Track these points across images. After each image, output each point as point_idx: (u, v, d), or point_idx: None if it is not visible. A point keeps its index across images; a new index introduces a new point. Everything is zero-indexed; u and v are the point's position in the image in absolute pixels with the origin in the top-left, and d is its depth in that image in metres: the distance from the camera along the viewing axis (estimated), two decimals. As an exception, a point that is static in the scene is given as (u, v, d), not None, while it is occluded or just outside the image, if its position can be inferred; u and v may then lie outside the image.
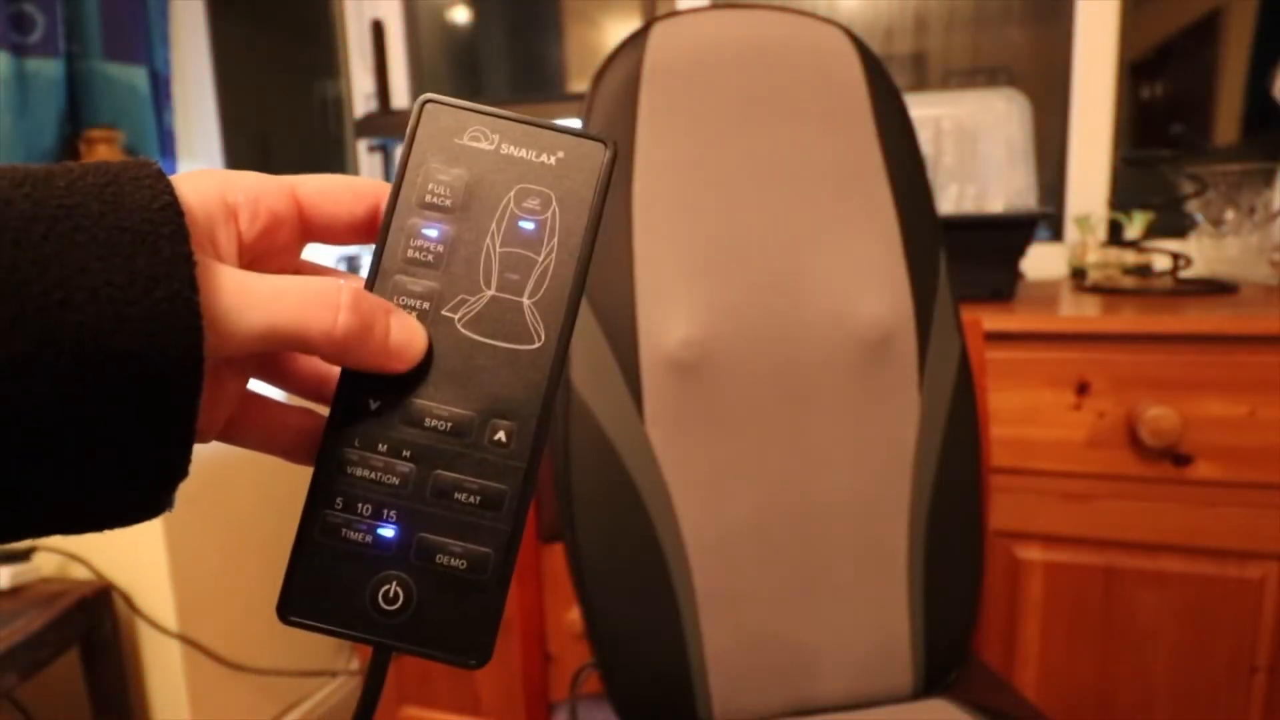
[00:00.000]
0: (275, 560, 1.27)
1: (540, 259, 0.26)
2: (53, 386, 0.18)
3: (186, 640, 1.13)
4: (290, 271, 0.27)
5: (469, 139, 0.26)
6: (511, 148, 0.26)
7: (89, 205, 0.19)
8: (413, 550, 0.25)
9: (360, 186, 0.26)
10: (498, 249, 0.26)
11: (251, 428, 0.26)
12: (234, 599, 1.21)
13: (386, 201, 0.26)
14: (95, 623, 1.06)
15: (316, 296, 0.23)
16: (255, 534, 1.26)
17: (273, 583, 1.37)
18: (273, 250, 0.25)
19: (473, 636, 0.25)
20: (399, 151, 0.26)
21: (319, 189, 0.25)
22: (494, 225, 0.26)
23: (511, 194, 0.26)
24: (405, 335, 0.25)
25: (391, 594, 0.24)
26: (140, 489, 0.21)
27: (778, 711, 0.69)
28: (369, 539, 0.25)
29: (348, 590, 0.25)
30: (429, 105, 0.26)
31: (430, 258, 0.25)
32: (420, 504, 0.25)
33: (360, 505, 0.25)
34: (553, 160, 0.26)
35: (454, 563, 0.25)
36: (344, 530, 0.25)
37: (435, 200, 0.26)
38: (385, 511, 0.25)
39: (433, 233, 0.25)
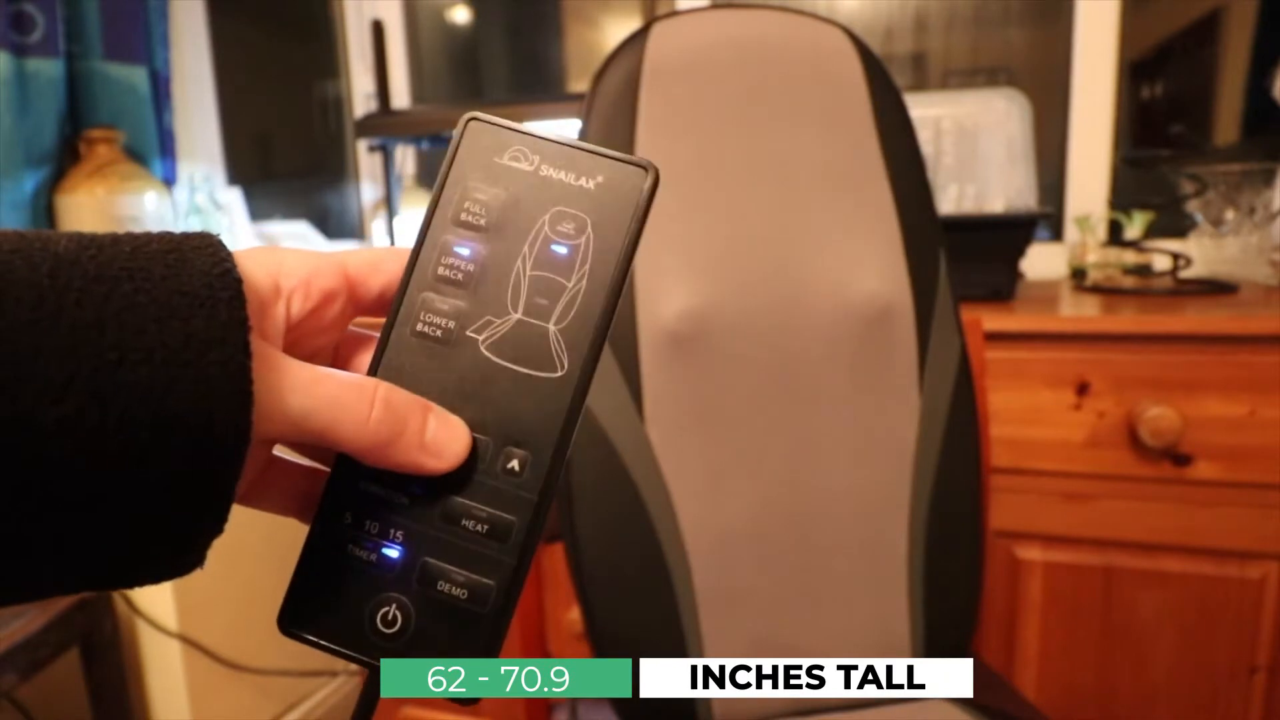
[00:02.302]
0: (275, 561, 1.27)
1: (570, 285, 0.25)
2: (100, 446, 0.18)
3: (186, 640, 1.13)
4: (335, 345, 0.27)
5: (509, 159, 0.26)
6: (551, 169, 0.25)
7: (152, 269, 0.20)
8: (415, 574, 0.24)
9: (406, 258, 0.26)
10: (528, 272, 0.25)
11: (268, 491, 0.26)
12: (234, 599, 1.21)
13: (422, 218, 0.26)
14: (95, 623, 1.06)
15: (353, 389, 0.23)
16: (255, 534, 1.25)
17: (272, 583, 1.37)
18: (320, 328, 0.25)
19: None
20: (440, 167, 0.26)
21: (368, 262, 0.25)
22: (526, 247, 0.25)
23: (547, 216, 0.25)
24: (445, 433, 0.24)
25: (390, 617, 0.24)
26: (177, 548, 0.21)
27: (778, 712, 0.69)
28: (373, 557, 0.24)
29: (347, 608, 0.24)
30: (472, 123, 0.26)
31: (460, 276, 0.25)
32: (428, 527, 0.24)
33: (368, 523, 0.24)
34: (591, 184, 0.25)
35: (455, 591, 0.24)
36: (350, 546, 0.24)
37: (470, 218, 0.25)
38: (392, 531, 0.24)
39: (465, 251, 0.25)
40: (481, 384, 0.25)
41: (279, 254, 0.24)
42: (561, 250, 0.25)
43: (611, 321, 0.25)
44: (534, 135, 0.26)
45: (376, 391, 0.23)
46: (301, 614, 0.24)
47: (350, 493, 0.25)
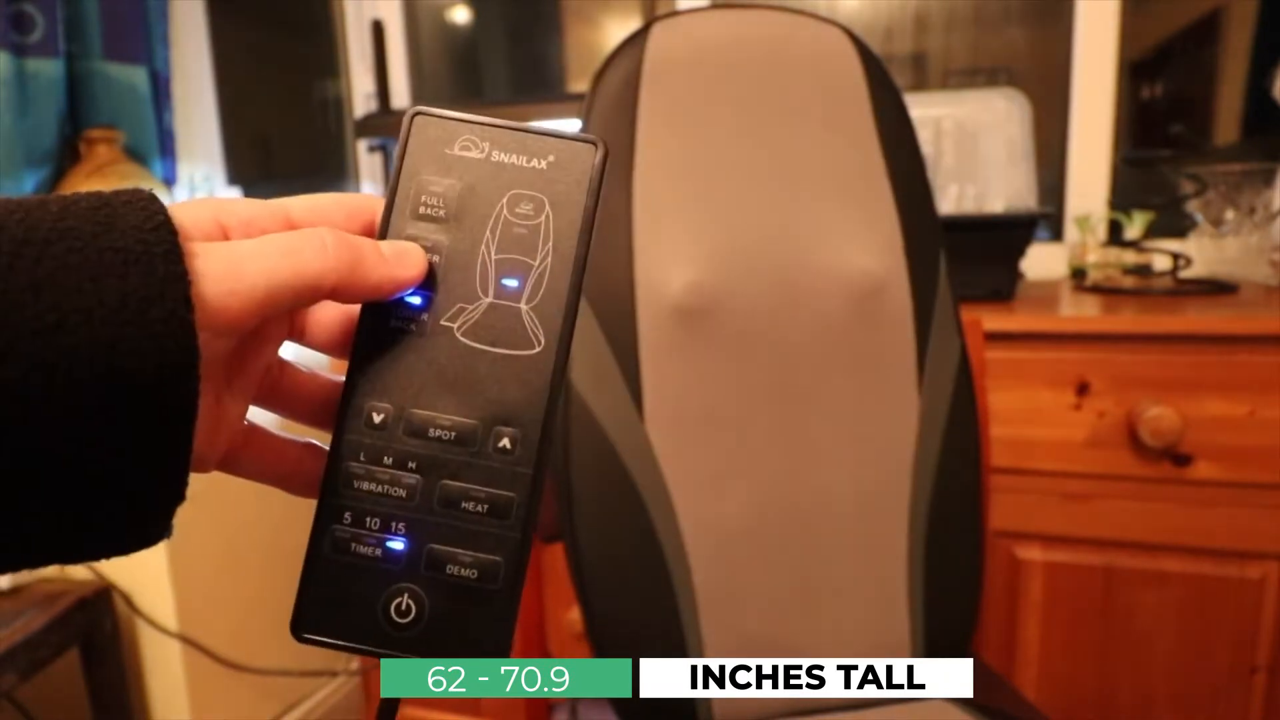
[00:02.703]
0: (276, 560, 1.27)
1: (536, 264, 0.26)
2: (46, 412, 0.18)
3: (186, 640, 1.13)
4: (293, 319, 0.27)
5: (459, 149, 0.26)
6: (502, 154, 0.26)
7: (82, 228, 0.19)
8: (423, 562, 0.25)
9: (354, 203, 0.26)
10: (493, 256, 0.26)
11: (251, 458, 0.26)
12: (234, 599, 1.21)
13: (380, 216, 0.26)
14: (95, 623, 1.06)
15: (298, 234, 0.23)
16: (256, 534, 1.26)
17: (273, 582, 1.37)
18: None
19: (487, 647, 0.24)
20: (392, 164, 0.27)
21: (312, 209, 0.25)
22: (488, 233, 0.26)
23: (504, 200, 0.26)
24: (400, 247, 0.25)
25: (404, 607, 0.24)
26: (137, 516, 0.21)
27: (778, 712, 0.69)
28: (379, 552, 0.25)
29: (360, 605, 0.24)
30: (418, 117, 0.26)
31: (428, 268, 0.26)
32: (428, 515, 0.25)
33: (369, 519, 0.25)
34: (543, 164, 0.26)
35: (465, 573, 0.24)
36: (353, 545, 0.25)
37: (429, 212, 0.26)
38: (394, 524, 0.25)
39: (428, 243, 0.26)
40: (463, 370, 0.25)
41: (217, 200, 0.24)
42: (523, 231, 0.26)
43: (580, 293, 0.26)
44: (480, 122, 0.26)
45: (317, 229, 0.23)
46: (314, 619, 0.25)
47: (345, 492, 0.25)
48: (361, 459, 0.25)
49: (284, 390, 0.27)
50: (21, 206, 0.19)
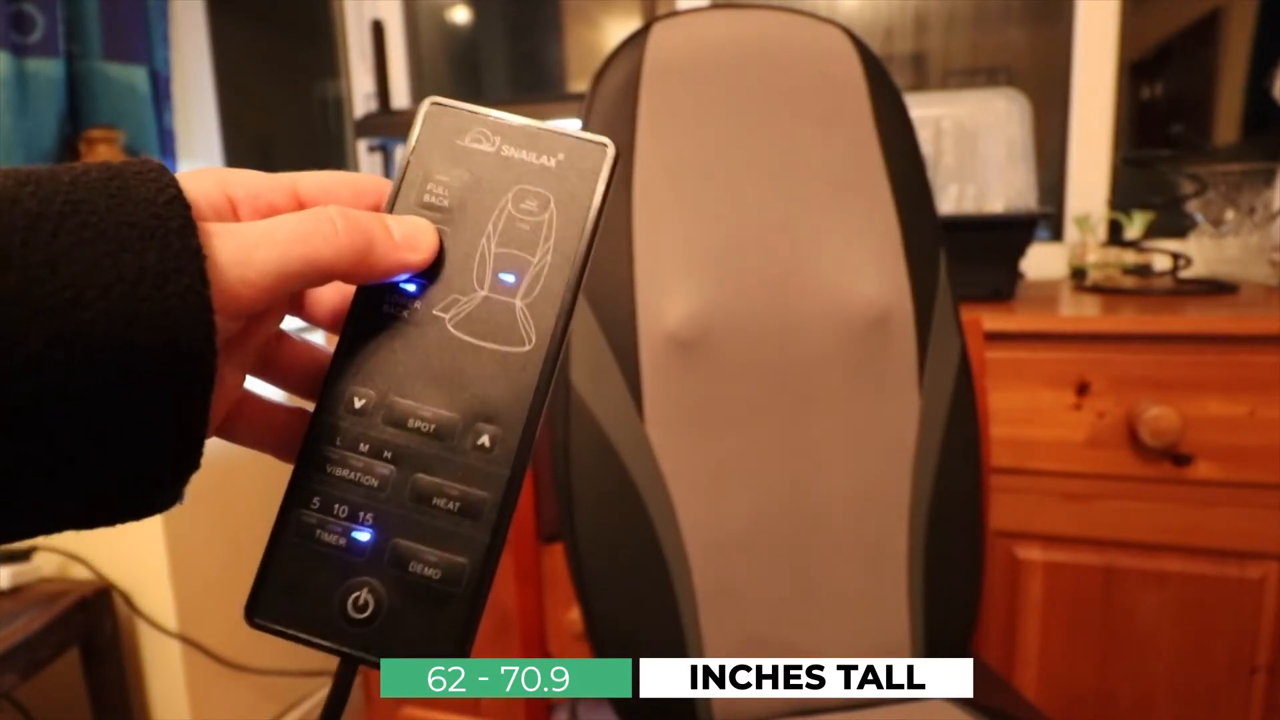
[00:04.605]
0: (275, 560, 1.27)
1: (536, 260, 0.25)
2: (66, 385, 0.18)
3: (186, 640, 1.13)
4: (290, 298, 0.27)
5: (470, 141, 0.26)
6: (512, 149, 0.26)
7: (95, 200, 0.19)
8: (386, 556, 0.24)
9: (361, 184, 0.26)
10: (493, 250, 0.25)
11: (246, 425, 0.26)
12: (234, 599, 1.21)
13: (386, 201, 0.26)
14: (95, 623, 1.06)
15: (309, 217, 0.23)
16: (255, 534, 1.26)
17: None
18: None
19: (442, 652, 0.23)
20: (400, 151, 0.27)
21: (320, 186, 0.25)
22: (490, 226, 0.25)
23: (509, 195, 0.26)
24: (411, 227, 0.25)
25: (361, 601, 0.24)
26: (153, 482, 0.21)
27: (778, 712, 0.69)
28: (343, 542, 0.24)
29: (317, 595, 0.24)
30: (433, 107, 0.26)
31: None
32: (398, 508, 0.24)
33: (337, 506, 0.24)
34: (553, 162, 0.26)
35: (428, 572, 0.24)
36: (318, 531, 0.24)
37: (433, 200, 0.26)
38: (362, 514, 0.24)
39: None
40: (450, 362, 0.25)
41: (224, 170, 0.24)
42: (525, 228, 0.25)
43: (578, 295, 0.25)
44: (494, 116, 0.26)
45: (329, 210, 0.23)
46: (269, 604, 0.24)
47: (316, 476, 0.24)
48: (337, 443, 0.24)
49: (280, 361, 0.28)
50: (32, 178, 0.19)
